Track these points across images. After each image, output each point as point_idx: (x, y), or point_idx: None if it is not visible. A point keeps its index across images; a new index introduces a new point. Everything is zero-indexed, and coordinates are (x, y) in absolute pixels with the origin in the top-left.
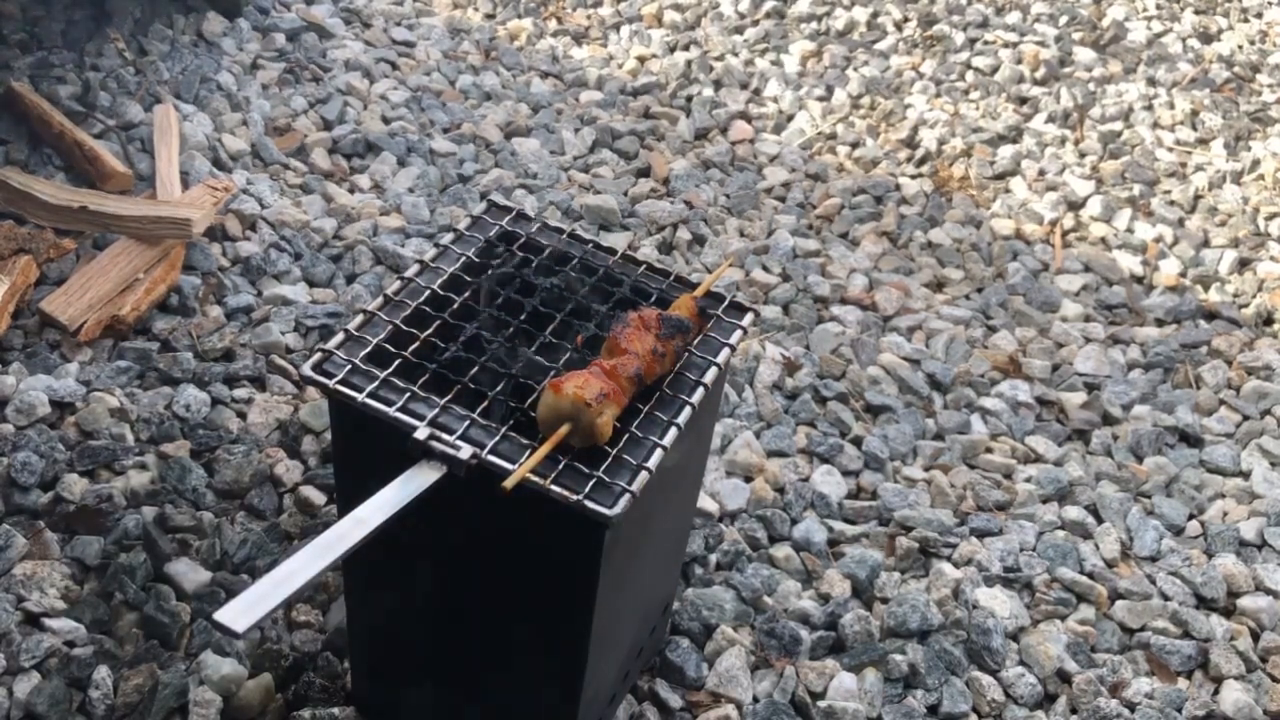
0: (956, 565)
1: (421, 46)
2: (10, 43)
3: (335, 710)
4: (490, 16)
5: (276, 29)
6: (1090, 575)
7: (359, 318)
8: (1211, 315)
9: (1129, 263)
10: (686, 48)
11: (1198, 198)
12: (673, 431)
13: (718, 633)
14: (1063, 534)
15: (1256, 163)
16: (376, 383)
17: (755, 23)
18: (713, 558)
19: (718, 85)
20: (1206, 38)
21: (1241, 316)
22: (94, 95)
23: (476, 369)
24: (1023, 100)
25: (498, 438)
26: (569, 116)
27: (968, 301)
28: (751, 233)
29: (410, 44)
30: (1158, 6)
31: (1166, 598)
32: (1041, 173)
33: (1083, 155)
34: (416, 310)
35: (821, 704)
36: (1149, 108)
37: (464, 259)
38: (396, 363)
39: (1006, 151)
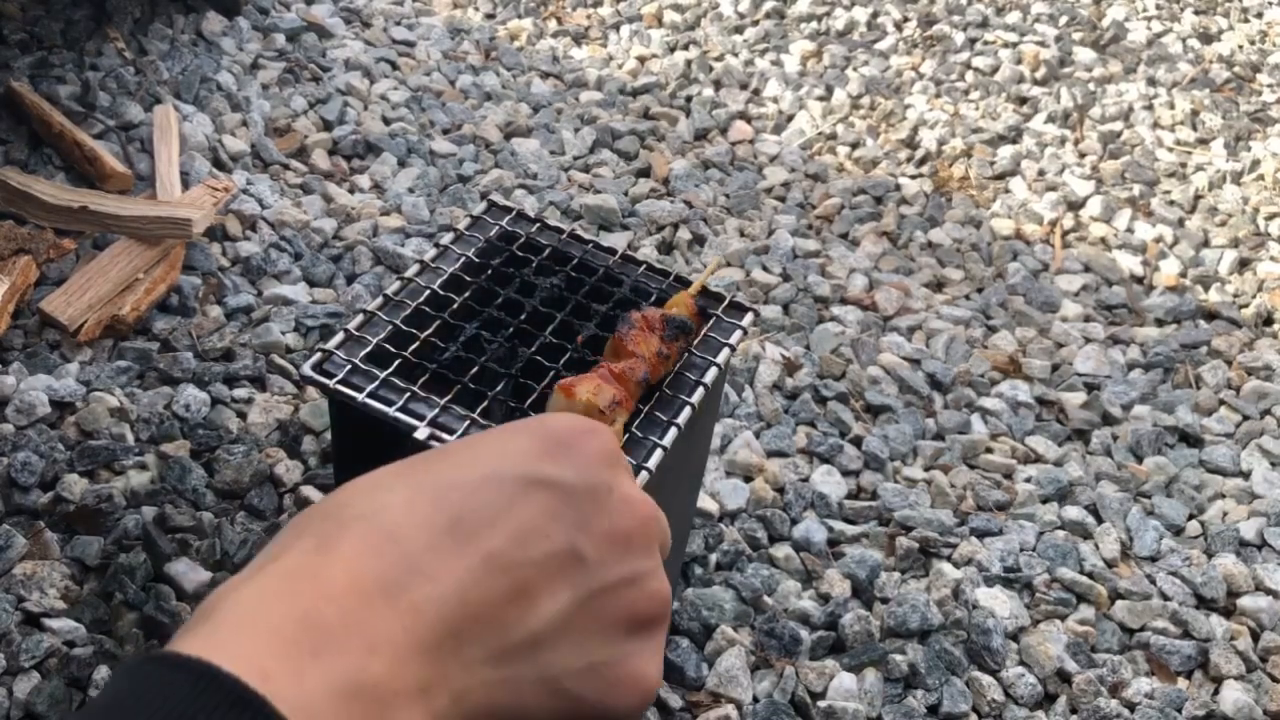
0: (956, 565)
1: (421, 46)
2: (10, 43)
3: None
4: (490, 16)
5: (276, 29)
6: (1090, 575)
7: (359, 318)
8: (1211, 315)
9: (1129, 263)
10: (686, 48)
11: (1198, 198)
12: (673, 431)
13: (718, 633)
14: (1063, 534)
15: (1256, 163)
16: (376, 383)
17: (755, 23)
18: (713, 558)
19: (718, 85)
20: (1206, 38)
21: (1241, 316)
22: (94, 95)
23: (476, 369)
24: (1023, 100)
25: None
26: (569, 116)
27: (968, 301)
28: (751, 233)
29: (410, 44)
30: (1158, 6)
31: (1166, 598)
32: (1041, 173)
33: (1083, 155)
34: (416, 310)
35: (821, 704)
36: (1149, 108)
37: (464, 259)
38: (396, 363)
39: (1006, 151)
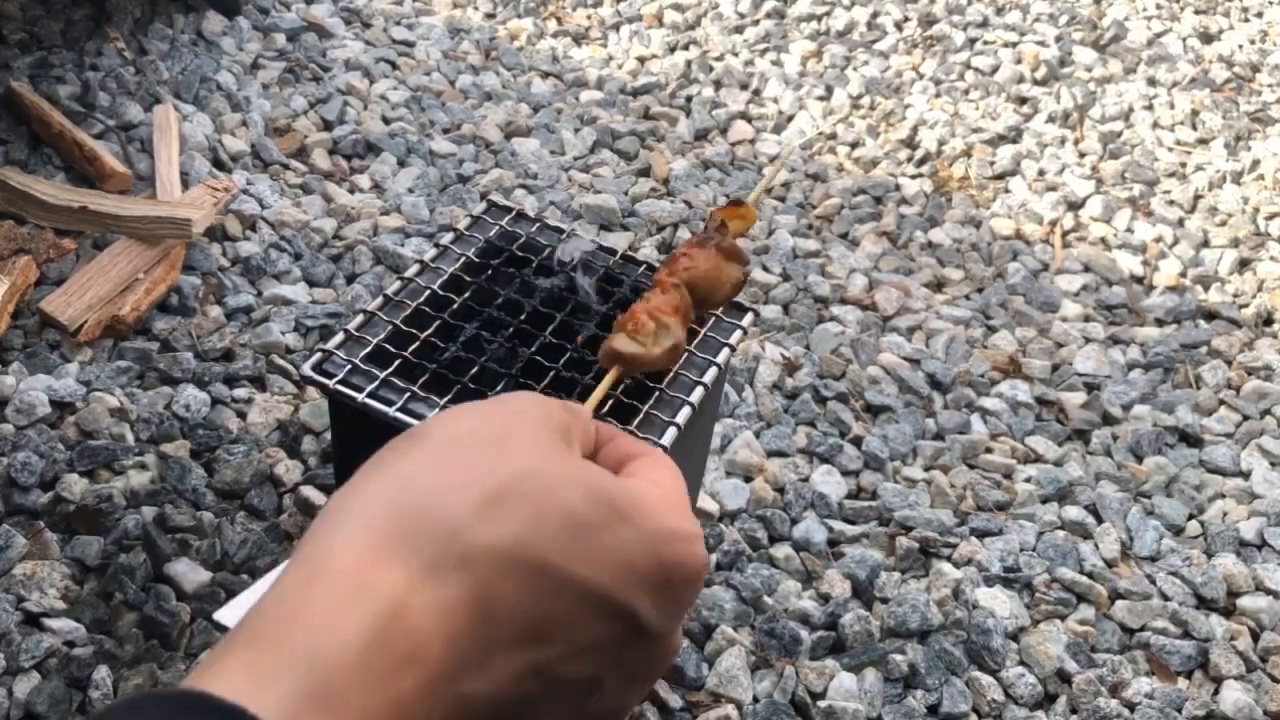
0: (956, 565)
1: (421, 46)
2: (10, 43)
3: None
4: (490, 16)
5: (276, 29)
6: (1090, 575)
7: (359, 318)
8: (1211, 315)
9: (1129, 263)
10: (686, 48)
11: (1198, 198)
12: (672, 431)
13: (718, 633)
14: (1063, 534)
15: (1256, 163)
16: (376, 383)
17: (755, 23)
18: (713, 558)
19: (718, 85)
20: (1206, 38)
21: (1241, 316)
22: (93, 95)
23: (476, 369)
24: (1023, 100)
25: None
26: (569, 116)
27: (968, 301)
28: (751, 233)
29: (410, 44)
30: (1158, 6)
31: (1166, 598)
32: (1041, 173)
33: (1083, 155)
34: (416, 310)
35: (821, 704)
36: (1149, 108)
37: (464, 259)
38: (396, 363)
39: (1006, 151)
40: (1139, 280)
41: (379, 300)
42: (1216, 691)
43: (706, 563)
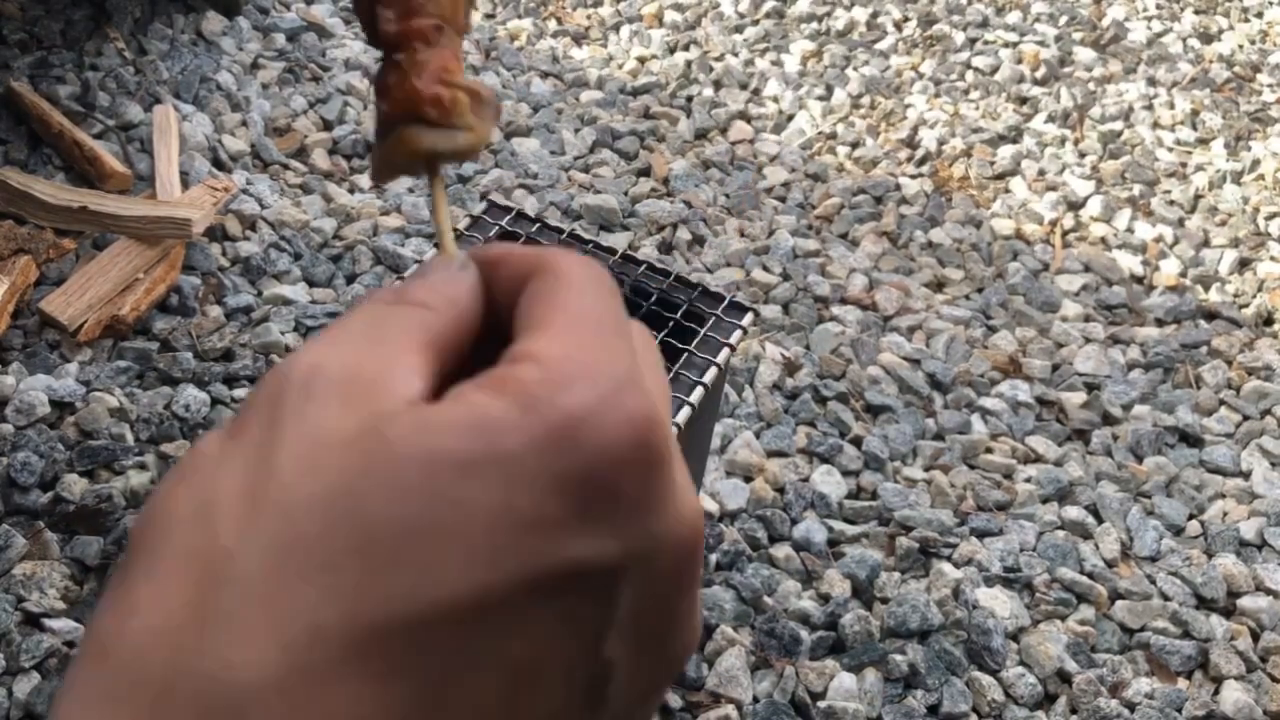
0: (956, 565)
1: None
2: (10, 43)
3: None
4: (490, 16)
5: (276, 29)
6: (1090, 575)
7: None
8: (1211, 315)
9: (1129, 263)
10: (686, 48)
11: (1198, 198)
12: (672, 431)
13: (718, 633)
14: (1063, 534)
15: (1256, 163)
16: None
17: (755, 23)
18: (713, 558)
19: (718, 85)
20: (1206, 38)
21: (1241, 316)
22: (93, 95)
23: None
24: (1023, 100)
25: None
26: (569, 116)
27: (968, 301)
28: (751, 233)
29: None
30: (1158, 6)
31: (1166, 598)
32: (1041, 173)
33: (1083, 155)
34: None
35: (821, 704)
36: (1149, 108)
37: None
38: None
39: (1006, 151)
40: (1139, 280)
41: None
42: (1216, 691)
43: (646, 419)
